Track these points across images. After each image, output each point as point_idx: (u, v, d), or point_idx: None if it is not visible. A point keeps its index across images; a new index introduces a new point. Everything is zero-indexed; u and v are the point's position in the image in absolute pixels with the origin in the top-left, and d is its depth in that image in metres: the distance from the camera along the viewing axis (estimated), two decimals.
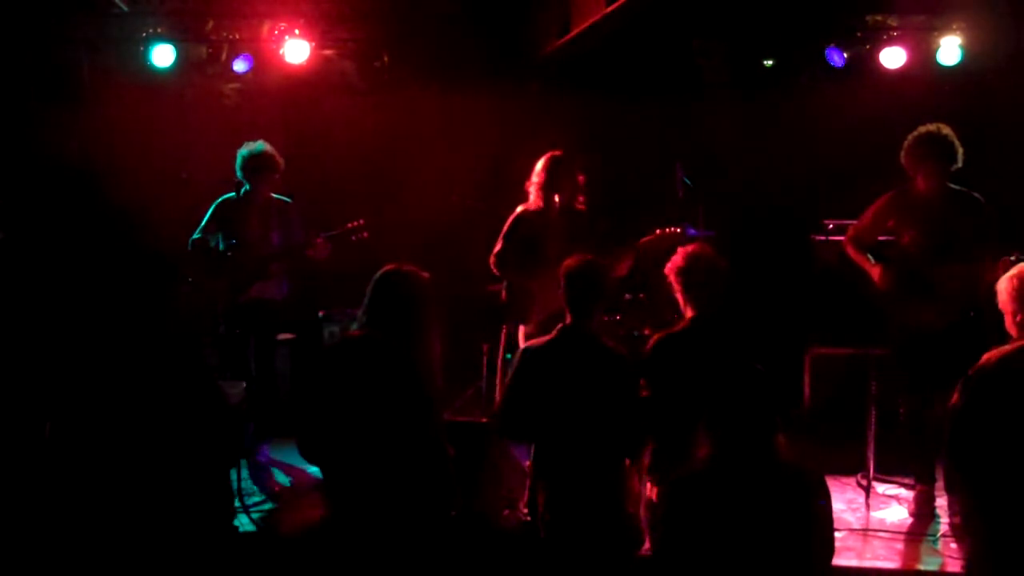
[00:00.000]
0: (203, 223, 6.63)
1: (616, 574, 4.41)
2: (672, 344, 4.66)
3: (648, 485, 4.67)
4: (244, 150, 6.58)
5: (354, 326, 4.33)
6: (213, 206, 6.65)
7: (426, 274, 4.30)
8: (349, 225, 6.58)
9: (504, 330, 6.42)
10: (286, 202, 6.74)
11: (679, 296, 4.77)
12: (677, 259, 4.75)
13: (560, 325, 4.60)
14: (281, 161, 6.63)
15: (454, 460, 4.25)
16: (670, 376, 4.56)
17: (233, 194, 6.51)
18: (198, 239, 6.58)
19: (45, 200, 7.33)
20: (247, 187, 6.49)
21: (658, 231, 6.18)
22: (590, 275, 4.57)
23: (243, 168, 6.55)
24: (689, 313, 4.73)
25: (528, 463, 4.75)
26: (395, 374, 4.02)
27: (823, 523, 3.44)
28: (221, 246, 6.50)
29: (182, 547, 3.53)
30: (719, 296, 4.69)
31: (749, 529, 3.26)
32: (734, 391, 3.39)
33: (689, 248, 4.78)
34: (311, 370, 4.22)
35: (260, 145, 6.60)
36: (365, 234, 6.58)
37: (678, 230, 6.09)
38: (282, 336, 7.35)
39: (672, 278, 4.75)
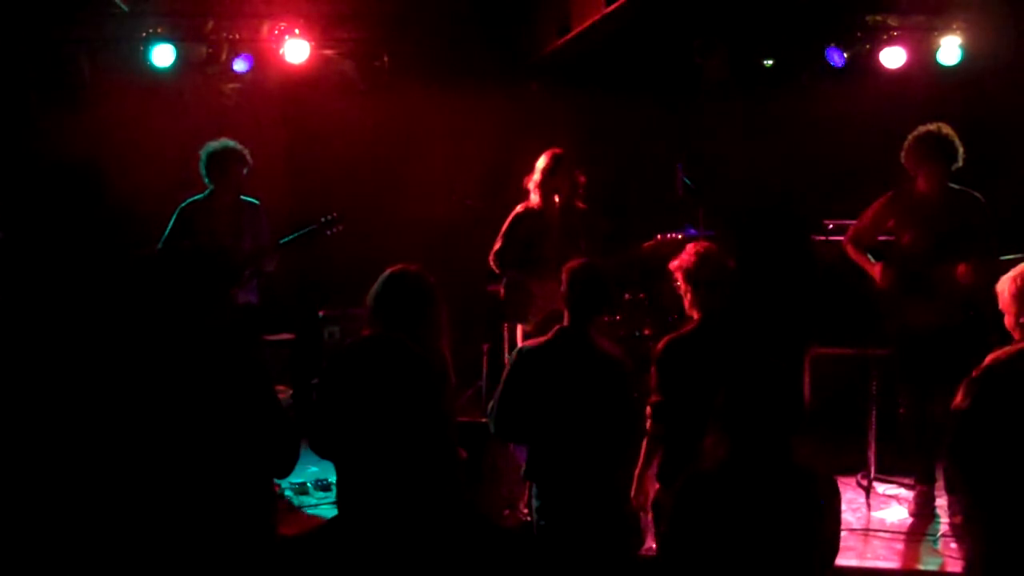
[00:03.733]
0: (168, 231, 6.30)
1: (613, 574, 4.41)
2: (682, 346, 4.57)
3: (656, 486, 4.64)
4: (209, 148, 6.30)
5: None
6: (177, 211, 6.34)
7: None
8: (321, 219, 6.32)
9: (505, 328, 6.42)
10: (255, 204, 6.44)
11: (686, 296, 4.66)
12: (684, 258, 4.63)
13: (557, 327, 4.53)
14: (249, 158, 6.34)
15: (463, 462, 4.26)
16: (681, 378, 4.49)
17: (198, 197, 6.32)
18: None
19: (45, 200, 7.33)
20: (212, 188, 6.29)
21: (659, 236, 6.18)
22: (593, 280, 4.48)
23: (208, 167, 6.28)
24: (696, 314, 4.63)
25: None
26: (414, 374, 4.01)
27: (832, 527, 3.43)
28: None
29: (227, 554, 3.44)
30: (727, 295, 4.60)
31: (759, 531, 3.24)
32: (756, 389, 3.32)
33: (696, 247, 4.66)
34: (330, 368, 4.19)
35: (225, 142, 6.32)
36: (340, 227, 6.34)
37: (680, 236, 6.08)
38: (282, 336, 7.34)
39: (679, 276, 4.63)
